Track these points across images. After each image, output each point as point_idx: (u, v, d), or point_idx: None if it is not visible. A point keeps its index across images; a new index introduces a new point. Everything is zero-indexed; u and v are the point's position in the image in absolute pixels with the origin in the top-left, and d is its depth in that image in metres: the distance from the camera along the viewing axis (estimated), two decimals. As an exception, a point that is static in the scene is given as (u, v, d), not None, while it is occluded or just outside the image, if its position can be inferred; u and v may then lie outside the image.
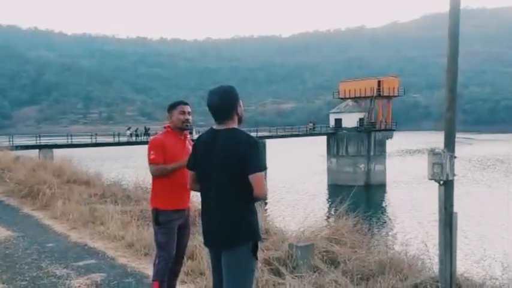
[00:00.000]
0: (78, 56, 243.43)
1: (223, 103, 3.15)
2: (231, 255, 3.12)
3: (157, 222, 4.23)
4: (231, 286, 3.15)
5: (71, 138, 47.38)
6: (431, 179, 4.42)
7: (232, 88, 3.22)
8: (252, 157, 3.02)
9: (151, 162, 4.19)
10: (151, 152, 4.18)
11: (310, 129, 65.55)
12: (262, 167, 3.06)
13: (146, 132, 53.35)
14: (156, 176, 4.22)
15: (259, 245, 3.25)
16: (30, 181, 10.33)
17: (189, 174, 3.41)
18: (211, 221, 3.19)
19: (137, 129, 56.09)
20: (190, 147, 4.22)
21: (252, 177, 3.01)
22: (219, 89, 3.21)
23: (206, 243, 3.31)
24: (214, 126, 3.23)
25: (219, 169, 3.09)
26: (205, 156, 3.19)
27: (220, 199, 3.11)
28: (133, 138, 52.20)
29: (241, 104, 3.24)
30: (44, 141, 43.95)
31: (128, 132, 54.78)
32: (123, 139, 52.59)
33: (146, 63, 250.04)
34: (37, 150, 34.67)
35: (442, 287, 4.41)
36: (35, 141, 42.89)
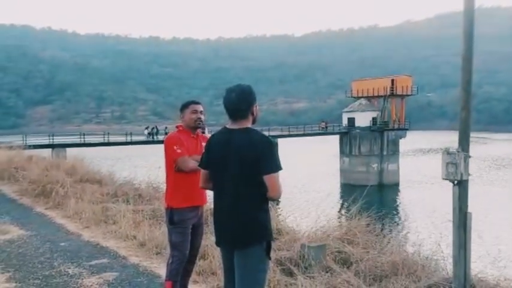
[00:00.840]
0: (91, 55, 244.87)
1: (240, 102, 3.13)
2: (244, 255, 3.10)
3: (171, 221, 4.21)
4: (243, 286, 3.13)
5: (84, 138, 47.71)
6: (445, 179, 4.37)
7: (250, 88, 3.21)
8: (267, 158, 3.01)
9: (180, 155, 4.13)
10: (175, 147, 4.15)
11: (322, 128, 65.35)
12: (278, 168, 3.04)
13: (165, 132, 53.41)
14: (189, 170, 4.11)
15: (272, 245, 3.22)
16: (43, 180, 10.42)
17: (202, 172, 3.39)
18: (224, 221, 3.18)
19: (154, 127, 55.95)
20: (204, 144, 4.23)
21: (267, 178, 3.00)
22: (237, 87, 3.18)
23: (219, 243, 3.29)
24: (228, 125, 3.20)
25: (234, 169, 3.07)
26: (219, 156, 3.17)
27: (233, 198, 3.10)
28: (151, 138, 52.09)
29: (257, 104, 3.21)
30: (57, 140, 44.29)
31: (146, 131, 54.84)
32: (136, 138, 52.83)
33: (158, 62, 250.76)
34: (50, 150, 34.98)
35: (456, 288, 4.35)
36: (48, 141, 43.24)
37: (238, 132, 3.12)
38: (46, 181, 10.30)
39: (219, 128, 3.38)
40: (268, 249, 3.13)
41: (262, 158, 3.00)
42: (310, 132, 66.03)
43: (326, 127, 65.37)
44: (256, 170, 3.00)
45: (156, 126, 58.08)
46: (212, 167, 3.25)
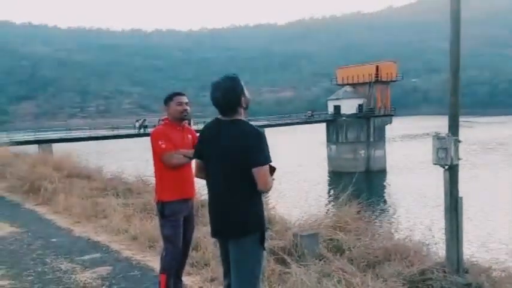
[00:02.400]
0: (73, 50, 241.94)
1: (226, 100, 3.09)
2: (238, 245, 3.12)
3: (163, 215, 4.21)
4: (239, 277, 3.14)
5: (70, 133, 47.35)
6: (435, 164, 4.40)
7: (235, 81, 3.13)
8: (256, 150, 3.01)
9: (165, 151, 4.12)
10: (160, 142, 4.13)
11: (309, 116, 65.49)
12: (267, 160, 3.03)
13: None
14: (174, 165, 4.13)
15: (266, 235, 3.22)
16: (31, 176, 10.31)
17: (196, 162, 3.41)
18: (218, 211, 3.19)
19: (144, 120, 55.26)
20: (191, 137, 4.23)
21: (255, 171, 2.99)
22: (222, 83, 3.11)
23: (214, 234, 3.29)
24: (219, 116, 3.19)
25: (224, 160, 3.08)
26: (210, 147, 3.18)
27: (226, 189, 3.10)
28: (142, 130, 51.49)
29: (245, 93, 3.16)
30: (43, 136, 43.90)
31: (137, 123, 54.37)
32: (122, 132, 52.44)
33: (142, 55, 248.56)
34: (36, 146, 34.63)
35: (449, 272, 4.40)
36: (33, 137, 42.86)
37: (228, 124, 3.11)
38: (34, 177, 10.20)
39: (205, 120, 3.38)
40: (262, 239, 3.13)
41: (251, 150, 2.99)
42: (296, 121, 66.06)
43: (313, 115, 65.51)
44: (246, 161, 2.99)
45: (144, 119, 57.27)
46: (204, 158, 3.26)
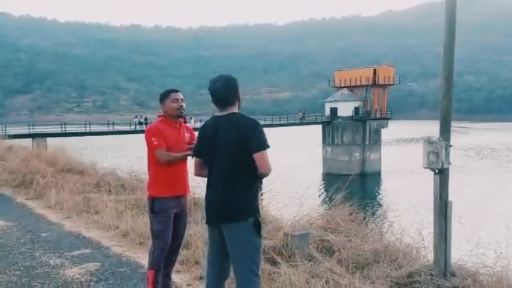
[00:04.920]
0: (71, 44, 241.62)
1: (226, 90, 3.32)
2: (231, 230, 3.26)
3: (153, 210, 4.21)
4: (237, 262, 3.28)
5: (65, 127, 47.20)
6: (426, 168, 4.42)
7: (233, 76, 3.41)
8: (255, 137, 3.21)
9: (157, 147, 4.13)
10: (153, 139, 4.15)
11: (300, 118, 65.62)
12: (265, 145, 3.22)
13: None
14: (165, 162, 4.16)
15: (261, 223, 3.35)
16: (24, 170, 10.28)
17: (195, 161, 3.55)
18: (213, 199, 3.34)
19: (146, 118, 55.02)
20: (187, 134, 4.24)
21: (256, 156, 3.18)
22: (221, 76, 3.38)
23: (208, 220, 3.43)
24: (217, 113, 3.38)
25: (224, 151, 3.25)
26: (210, 141, 3.35)
27: (223, 179, 3.28)
28: (140, 127, 51.20)
29: (240, 93, 3.41)
30: (38, 130, 43.76)
31: (135, 120, 54.20)
32: (118, 128, 52.37)
33: (140, 51, 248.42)
34: (30, 140, 34.55)
35: (436, 275, 4.42)
36: (28, 130, 42.72)
37: (226, 118, 3.30)
38: (26, 171, 10.17)
39: (201, 118, 3.48)
40: (257, 226, 3.27)
41: (250, 138, 3.19)
42: (293, 121, 66.10)
43: (304, 117, 65.65)
44: (246, 150, 3.18)
45: (146, 118, 56.50)
46: (204, 154, 3.42)
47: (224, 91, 3.31)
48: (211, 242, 3.45)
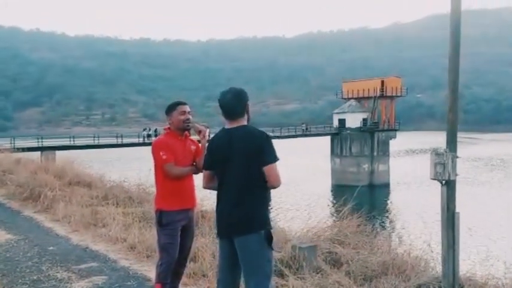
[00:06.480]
0: (80, 57, 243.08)
1: (236, 102, 3.38)
2: (243, 243, 3.29)
3: (160, 223, 4.22)
4: (249, 275, 3.29)
5: (74, 140, 47.40)
6: (433, 179, 4.41)
7: (243, 89, 3.48)
8: (266, 150, 3.27)
9: (166, 162, 4.14)
10: (162, 153, 4.16)
11: (303, 130, 65.61)
12: (276, 159, 3.29)
13: None
14: (174, 176, 4.17)
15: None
16: (32, 183, 10.28)
17: (205, 173, 3.57)
18: (225, 211, 3.37)
19: (156, 129, 55.02)
20: (194, 147, 4.24)
21: (267, 169, 3.25)
22: (232, 89, 3.45)
23: (219, 233, 3.46)
24: (226, 126, 3.42)
25: (237, 164, 3.28)
26: (222, 155, 3.37)
27: (236, 191, 3.30)
28: (149, 139, 51.05)
29: (249, 106, 3.47)
30: (46, 143, 43.96)
31: (144, 132, 54.24)
32: (127, 140, 52.51)
33: (149, 64, 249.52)
34: (39, 153, 34.67)
35: (444, 287, 4.38)
36: (37, 143, 42.93)
37: (237, 130, 3.35)
38: (34, 184, 10.17)
39: (212, 130, 3.54)
40: (269, 239, 3.30)
41: (261, 150, 3.25)
42: (300, 133, 66.02)
43: (306, 129, 65.72)
44: (257, 163, 3.24)
45: (156, 129, 56.29)
46: (216, 167, 3.44)
47: (234, 103, 3.37)
48: (222, 254, 3.47)
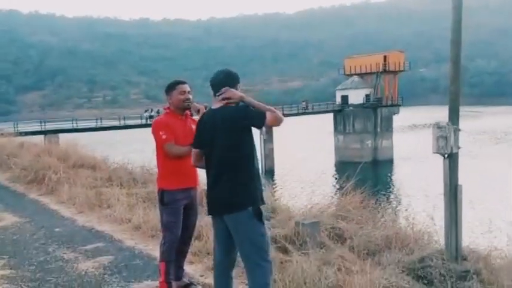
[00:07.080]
0: (80, 39, 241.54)
1: (226, 80, 3.45)
2: (233, 220, 3.32)
3: (162, 202, 4.25)
4: (243, 251, 3.35)
5: (76, 123, 47.45)
6: (436, 153, 4.40)
7: (236, 72, 3.58)
8: (252, 114, 3.29)
9: (166, 141, 4.16)
10: (161, 133, 4.17)
11: (303, 108, 65.15)
12: (264, 120, 3.27)
13: None
14: (175, 155, 4.18)
15: (262, 210, 3.40)
16: (36, 166, 10.31)
17: (193, 151, 3.65)
18: (213, 189, 3.41)
19: (158, 110, 54.91)
20: (194, 126, 4.24)
21: (267, 119, 3.25)
22: (225, 69, 3.56)
23: (210, 211, 3.52)
24: (213, 106, 3.49)
25: (221, 141, 3.32)
26: (208, 133, 3.42)
27: (222, 168, 3.35)
28: (151, 120, 50.87)
29: (239, 88, 3.49)
30: (49, 126, 44.04)
31: (146, 114, 54.11)
32: (129, 122, 52.51)
33: (149, 44, 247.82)
34: (42, 136, 34.74)
35: (447, 259, 4.41)
36: (40, 127, 43.01)
37: (220, 109, 3.40)
38: (38, 167, 10.21)
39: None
40: (258, 214, 3.31)
41: (248, 117, 3.29)
42: (302, 111, 65.71)
43: (307, 107, 65.18)
44: (244, 135, 3.32)
45: (158, 110, 56.32)
46: (203, 144, 3.49)
47: (224, 80, 3.45)
48: (216, 232, 3.53)
